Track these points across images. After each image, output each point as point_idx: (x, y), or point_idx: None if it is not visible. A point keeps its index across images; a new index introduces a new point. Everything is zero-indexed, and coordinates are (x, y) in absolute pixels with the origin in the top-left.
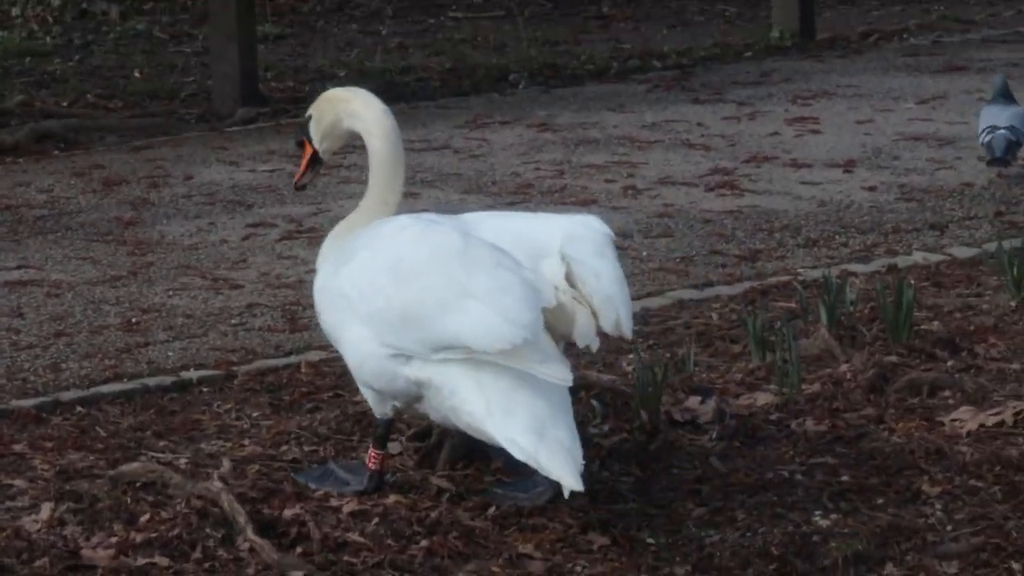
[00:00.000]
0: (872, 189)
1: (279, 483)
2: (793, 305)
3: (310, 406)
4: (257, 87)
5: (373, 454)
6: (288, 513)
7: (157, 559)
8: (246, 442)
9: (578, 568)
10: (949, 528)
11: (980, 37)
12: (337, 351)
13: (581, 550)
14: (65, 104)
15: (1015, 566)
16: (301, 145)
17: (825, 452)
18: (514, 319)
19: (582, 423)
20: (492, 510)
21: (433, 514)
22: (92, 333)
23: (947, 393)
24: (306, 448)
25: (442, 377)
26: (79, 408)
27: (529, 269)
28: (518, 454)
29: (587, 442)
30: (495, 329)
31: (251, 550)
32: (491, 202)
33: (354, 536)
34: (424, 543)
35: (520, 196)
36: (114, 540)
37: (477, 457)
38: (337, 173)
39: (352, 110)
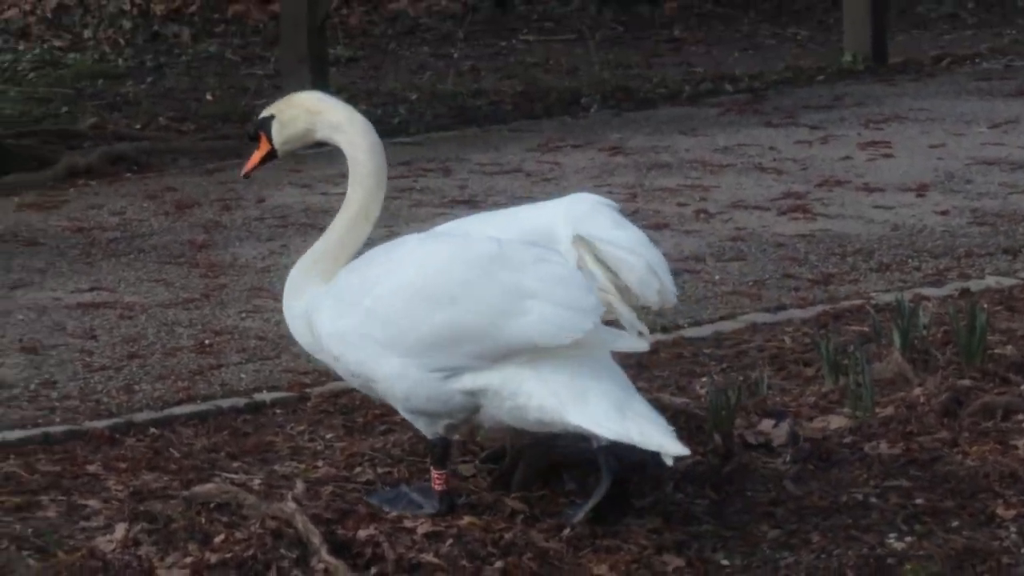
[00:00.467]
0: (945, 213)
1: (353, 504)
2: (866, 329)
3: (383, 428)
4: None
5: (436, 475)
6: (362, 534)
7: None
8: (320, 463)
9: None
10: None
11: None
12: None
13: (656, 572)
14: (138, 126)
15: None
16: (255, 138)
17: (899, 475)
18: (579, 306)
19: None
20: (567, 532)
21: (507, 535)
22: (165, 355)
23: (1021, 417)
24: (380, 470)
25: (501, 381)
26: (152, 429)
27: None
28: (608, 434)
29: (661, 464)
30: (564, 321)
31: (325, 571)
32: None
33: (428, 557)
34: (498, 564)
35: None
36: (188, 560)
37: (551, 479)
38: (409, 196)
39: (332, 122)
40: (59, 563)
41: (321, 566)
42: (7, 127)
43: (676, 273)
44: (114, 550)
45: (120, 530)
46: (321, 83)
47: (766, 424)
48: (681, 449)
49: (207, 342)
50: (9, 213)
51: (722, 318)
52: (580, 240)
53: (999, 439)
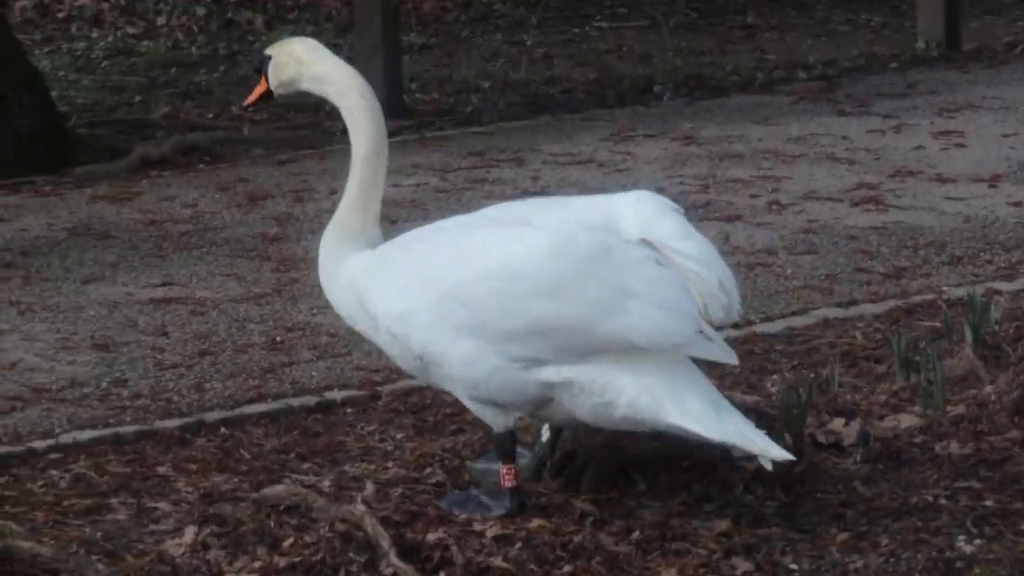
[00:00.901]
0: (1017, 204)
1: (423, 506)
2: (938, 324)
3: (454, 428)
4: (402, 99)
5: (505, 471)
6: (431, 537)
7: None
8: (390, 464)
9: None
10: None
11: None
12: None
13: (724, 575)
14: (210, 116)
15: None
16: (258, 73)
17: (969, 476)
18: (681, 311)
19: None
20: (636, 534)
21: (576, 539)
22: (236, 352)
23: None
24: (450, 471)
25: (590, 376)
26: (223, 429)
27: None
28: (709, 434)
29: (732, 465)
30: (665, 324)
31: (394, 574)
32: None
33: (497, 561)
34: (567, 568)
35: None
36: (257, 564)
37: (620, 480)
38: (482, 187)
39: (317, 75)
40: (128, 567)
41: (390, 570)
42: (80, 117)
43: (749, 267)
44: (183, 554)
45: (189, 533)
46: (394, 72)
47: (837, 423)
48: (783, 453)
49: (278, 339)
50: (82, 205)
51: (794, 313)
52: (649, 244)
53: None
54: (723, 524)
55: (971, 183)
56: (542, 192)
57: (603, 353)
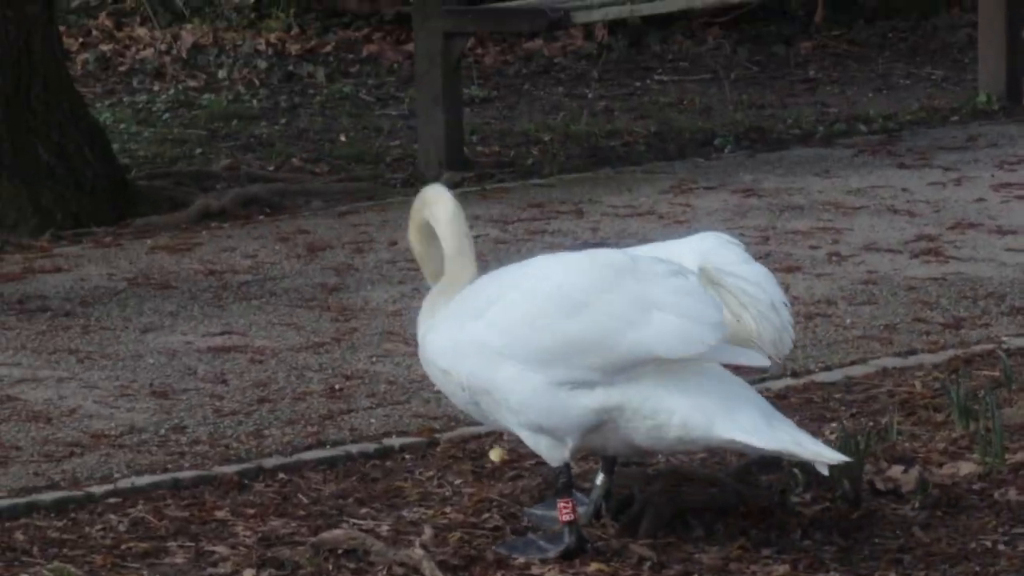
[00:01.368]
0: None
1: (481, 551)
2: (997, 373)
3: (512, 474)
4: (462, 151)
5: (563, 505)
6: None
7: None
8: (448, 509)
9: None
10: None
11: None
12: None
13: None
14: (271, 168)
15: None
16: None
17: None
18: (703, 319)
19: (784, 492)
20: None
21: None
22: (295, 399)
23: None
24: (508, 516)
25: (639, 400)
26: (281, 475)
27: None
28: (763, 444)
29: (789, 511)
30: (686, 333)
31: None
32: None
33: None
34: None
35: None
36: None
37: (678, 526)
38: (542, 239)
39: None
40: None
41: None
42: (140, 169)
43: (808, 317)
44: None
45: None
46: (455, 124)
47: (895, 470)
48: (838, 455)
49: (337, 387)
50: (142, 256)
51: (853, 362)
52: (705, 270)
53: None
54: (781, 569)
55: None
56: (602, 244)
57: (638, 370)
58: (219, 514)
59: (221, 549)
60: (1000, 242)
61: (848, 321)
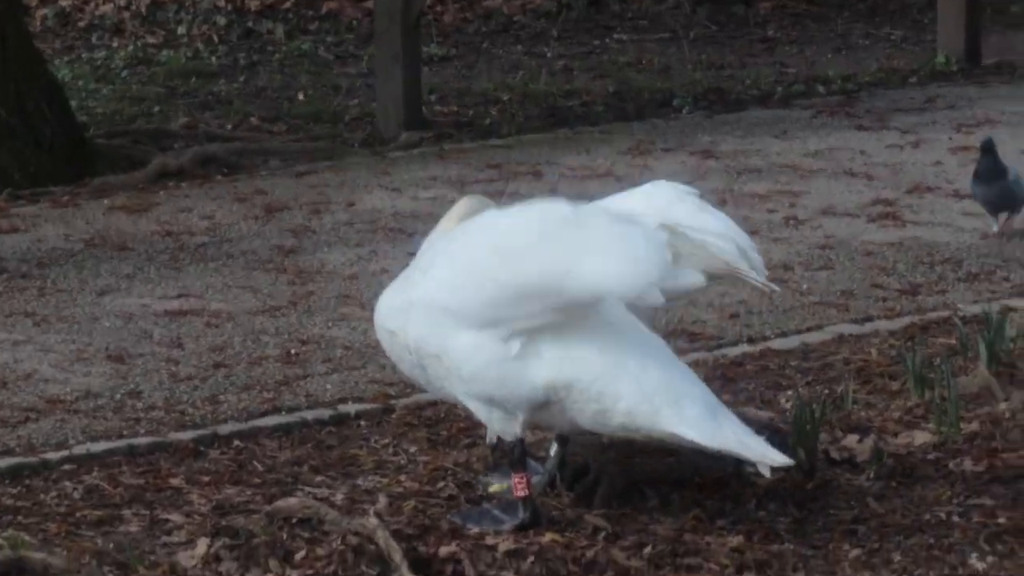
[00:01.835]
0: None
1: (435, 520)
2: (953, 341)
3: (467, 441)
4: (421, 110)
5: (517, 480)
6: (444, 551)
7: None
8: (403, 478)
9: None
10: None
11: None
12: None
13: None
14: (229, 126)
15: None
16: None
17: (983, 493)
18: (646, 259)
19: (738, 461)
20: (648, 550)
21: (589, 553)
22: (251, 364)
23: None
24: (463, 485)
25: (587, 378)
26: (237, 442)
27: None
28: (706, 442)
29: (744, 481)
30: (630, 271)
31: None
32: None
33: (509, 575)
34: None
35: None
36: None
37: (634, 496)
38: (499, 201)
39: None
40: None
41: None
42: (99, 127)
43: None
44: (195, 566)
45: (202, 545)
46: (413, 84)
47: (851, 439)
48: (783, 458)
49: (293, 351)
50: (99, 216)
51: (809, 329)
52: (667, 227)
53: None
54: (735, 540)
55: None
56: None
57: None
58: (174, 482)
59: (176, 517)
60: (957, 206)
61: (805, 287)
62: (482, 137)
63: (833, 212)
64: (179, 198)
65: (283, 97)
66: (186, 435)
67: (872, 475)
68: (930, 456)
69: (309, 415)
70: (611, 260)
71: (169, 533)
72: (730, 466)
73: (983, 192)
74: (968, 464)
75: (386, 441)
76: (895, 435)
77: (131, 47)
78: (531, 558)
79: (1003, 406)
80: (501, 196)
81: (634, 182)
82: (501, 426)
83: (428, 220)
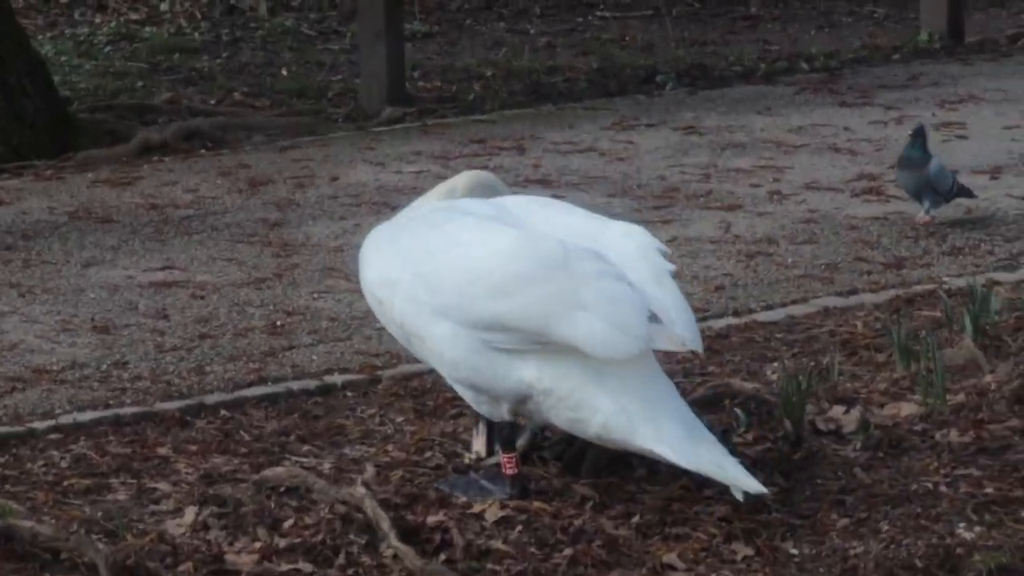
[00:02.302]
0: (1019, 196)
1: (423, 489)
2: (938, 314)
3: (454, 412)
4: (404, 86)
5: (506, 459)
6: (431, 520)
7: (300, 564)
8: (390, 447)
9: None
10: None
11: None
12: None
13: (724, 560)
14: (212, 102)
15: None
16: None
17: (969, 464)
18: (630, 330)
19: (726, 432)
20: (636, 519)
21: (577, 522)
22: (237, 336)
23: None
24: (449, 454)
25: (567, 387)
26: (223, 412)
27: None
28: (681, 462)
29: (731, 451)
30: (613, 341)
31: (394, 556)
32: (636, 205)
33: (497, 544)
34: (568, 551)
35: (665, 200)
36: (258, 545)
37: (620, 465)
38: None
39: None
40: (128, 547)
41: (390, 552)
42: (82, 102)
43: (749, 256)
44: (183, 534)
45: (189, 514)
46: (396, 60)
47: (837, 411)
48: (757, 485)
49: (279, 323)
50: (83, 189)
51: (794, 302)
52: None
53: None
54: (723, 509)
55: (972, 174)
56: (543, 180)
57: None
58: (161, 451)
59: (163, 486)
60: None
61: (789, 260)
62: (465, 113)
63: (817, 187)
64: (163, 172)
65: (266, 73)
66: (172, 405)
67: (859, 446)
68: (916, 427)
69: (295, 385)
70: (599, 325)
71: (157, 502)
72: (718, 436)
73: (903, 179)
74: (955, 435)
75: (373, 411)
76: (881, 406)
77: (114, 23)
78: (519, 527)
79: (989, 378)
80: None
81: (618, 157)
82: (488, 409)
83: (412, 194)
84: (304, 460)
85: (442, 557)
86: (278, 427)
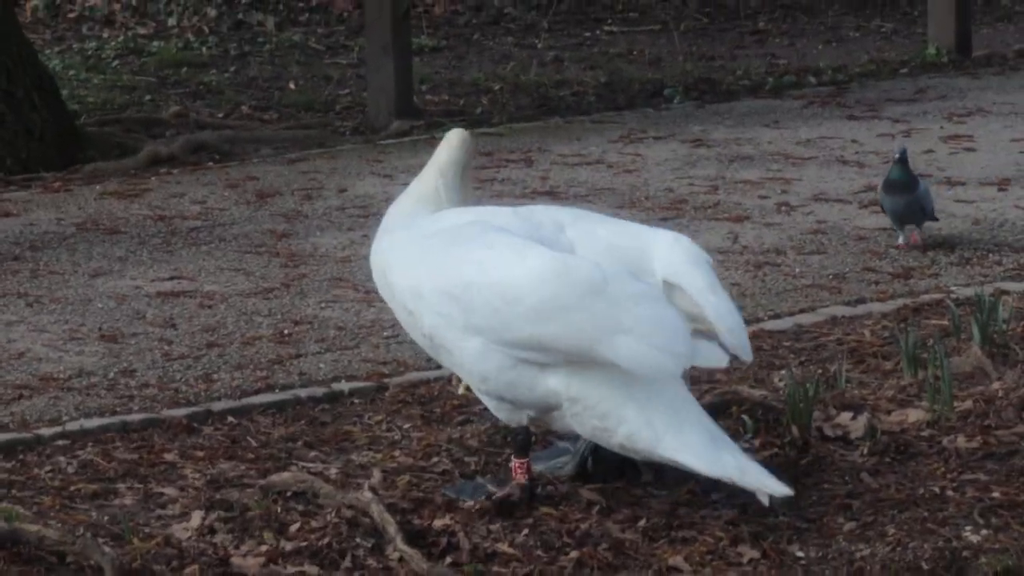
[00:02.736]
0: None
1: (429, 494)
2: (946, 323)
3: (461, 418)
4: (412, 100)
5: (518, 465)
6: (438, 523)
7: (307, 567)
8: (397, 453)
9: None
10: None
11: None
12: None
13: (731, 563)
14: (220, 115)
15: None
16: None
17: (976, 469)
18: (671, 351)
19: (733, 438)
20: (642, 523)
21: (583, 526)
22: (244, 344)
23: None
24: (456, 460)
25: (595, 397)
26: (230, 418)
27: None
28: (706, 470)
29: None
30: (655, 360)
31: (401, 560)
32: (644, 217)
33: (504, 547)
34: (574, 554)
35: (673, 211)
36: (264, 548)
37: (627, 470)
38: (491, 187)
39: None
40: (135, 550)
41: (396, 555)
42: (90, 115)
43: (758, 266)
44: (190, 538)
45: (196, 518)
46: (404, 74)
47: (844, 417)
48: (783, 489)
49: (286, 332)
50: (91, 201)
51: (802, 311)
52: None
53: None
54: (729, 513)
55: (980, 186)
56: (551, 192)
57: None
58: (168, 457)
59: (170, 491)
60: (949, 193)
61: (797, 270)
62: (473, 126)
63: (825, 198)
64: (171, 184)
65: (274, 87)
66: (179, 412)
67: (866, 451)
68: (923, 433)
69: (302, 393)
70: (642, 347)
71: (163, 506)
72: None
73: (891, 203)
74: (962, 441)
75: (380, 418)
76: (888, 413)
77: (121, 38)
78: (525, 530)
79: (996, 385)
80: (492, 182)
81: (626, 169)
82: (507, 416)
83: None
84: (311, 466)
85: (448, 561)
86: (285, 433)
